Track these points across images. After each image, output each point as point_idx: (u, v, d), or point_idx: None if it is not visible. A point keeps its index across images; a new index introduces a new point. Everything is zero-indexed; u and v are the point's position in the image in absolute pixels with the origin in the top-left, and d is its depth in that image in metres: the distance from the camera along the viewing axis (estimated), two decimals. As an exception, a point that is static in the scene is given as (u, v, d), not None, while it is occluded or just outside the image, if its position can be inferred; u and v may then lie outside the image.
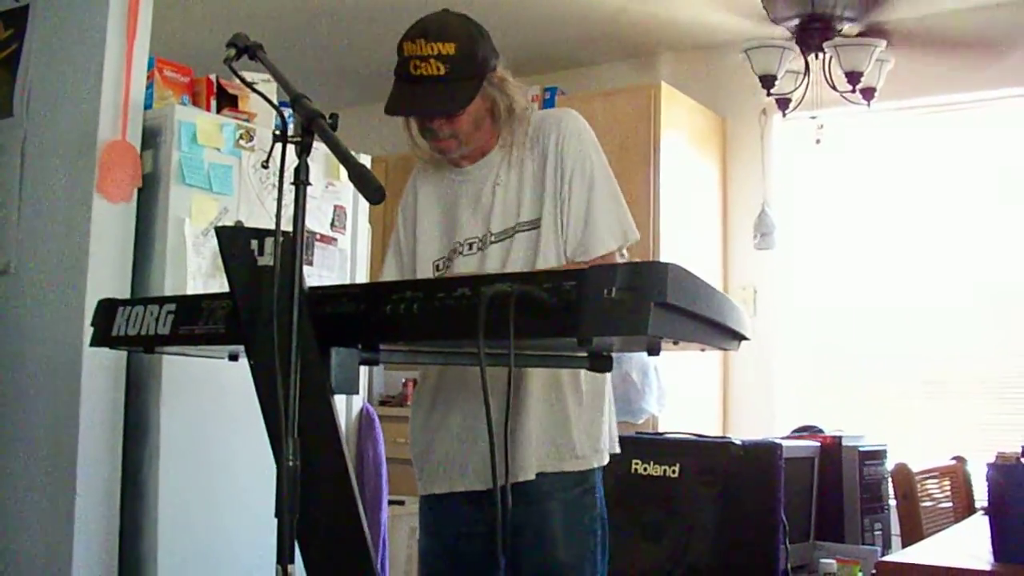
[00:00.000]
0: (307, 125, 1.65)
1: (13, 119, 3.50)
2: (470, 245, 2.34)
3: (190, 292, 3.23)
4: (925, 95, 5.30)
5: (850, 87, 5.04)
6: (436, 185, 2.47)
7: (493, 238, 2.31)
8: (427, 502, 2.41)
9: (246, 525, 3.30)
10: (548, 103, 5.63)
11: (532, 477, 2.22)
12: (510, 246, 2.29)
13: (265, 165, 1.72)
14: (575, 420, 2.27)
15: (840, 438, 4.49)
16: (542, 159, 2.31)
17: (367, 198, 1.58)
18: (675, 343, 1.65)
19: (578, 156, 2.29)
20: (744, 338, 1.79)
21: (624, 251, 2.31)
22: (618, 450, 2.40)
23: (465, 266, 2.34)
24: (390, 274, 2.50)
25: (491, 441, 1.62)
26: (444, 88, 2.23)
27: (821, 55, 5.11)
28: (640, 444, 4.18)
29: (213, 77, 3.59)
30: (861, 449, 4.53)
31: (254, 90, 1.89)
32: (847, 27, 5.09)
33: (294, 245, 1.60)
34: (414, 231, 2.46)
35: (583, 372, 2.24)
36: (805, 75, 5.19)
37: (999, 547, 2.34)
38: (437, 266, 2.39)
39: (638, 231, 2.32)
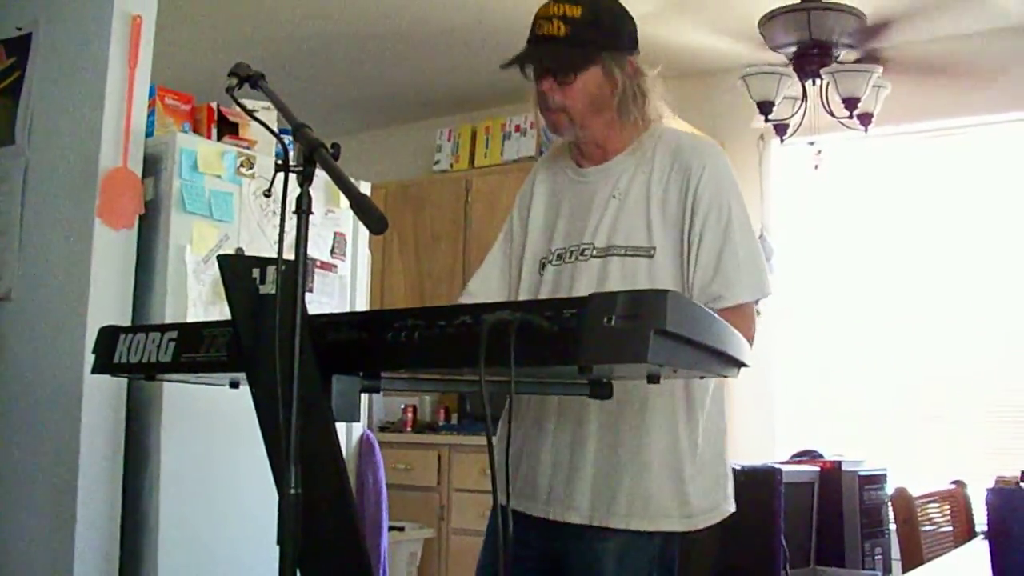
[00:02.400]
0: (309, 155, 1.66)
1: (15, 147, 3.52)
2: (570, 252, 2.22)
3: (191, 319, 3.23)
4: (922, 120, 5.33)
5: (847, 113, 5.06)
6: (553, 181, 2.36)
7: (595, 252, 2.18)
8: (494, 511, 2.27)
9: (247, 553, 3.29)
10: (548, 129, 5.65)
11: (582, 523, 2.13)
12: (614, 266, 2.16)
13: (267, 194, 1.74)
14: (656, 474, 2.12)
15: (840, 463, 4.49)
16: (676, 188, 2.17)
17: (369, 228, 1.58)
18: (675, 371, 1.65)
19: (716, 198, 2.15)
20: (743, 365, 1.80)
21: (758, 307, 2.17)
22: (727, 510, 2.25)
23: (559, 273, 2.23)
24: (492, 262, 2.41)
25: (491, 468, 1.62)
26: (560, 49, 2.14)
27: (818, 81, 5.13)
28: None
29: (214, 105, 3.61)
30: (861, 474, 4.53)
31: (255, 119, 1.89)
32: (844, 53, 5.12)
33: (296, 273, 1.61)
34: (527, 223, 2.36)
35: (694, 419, 2.15)
36: (802, 101, 5.21)
37: (999, 571, 2.34)
38: (543, 264, 2.28)
39: (771, 287, 2.17)
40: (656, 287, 2.06)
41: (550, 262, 2.27)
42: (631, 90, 2.22)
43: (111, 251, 3.26)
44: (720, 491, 2.23)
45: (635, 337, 1.41)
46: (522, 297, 2.30)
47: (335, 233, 3.81)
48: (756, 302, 2.14)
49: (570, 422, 2.18)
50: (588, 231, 2.22)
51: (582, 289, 2.14)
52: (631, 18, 2.28)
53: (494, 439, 2.33)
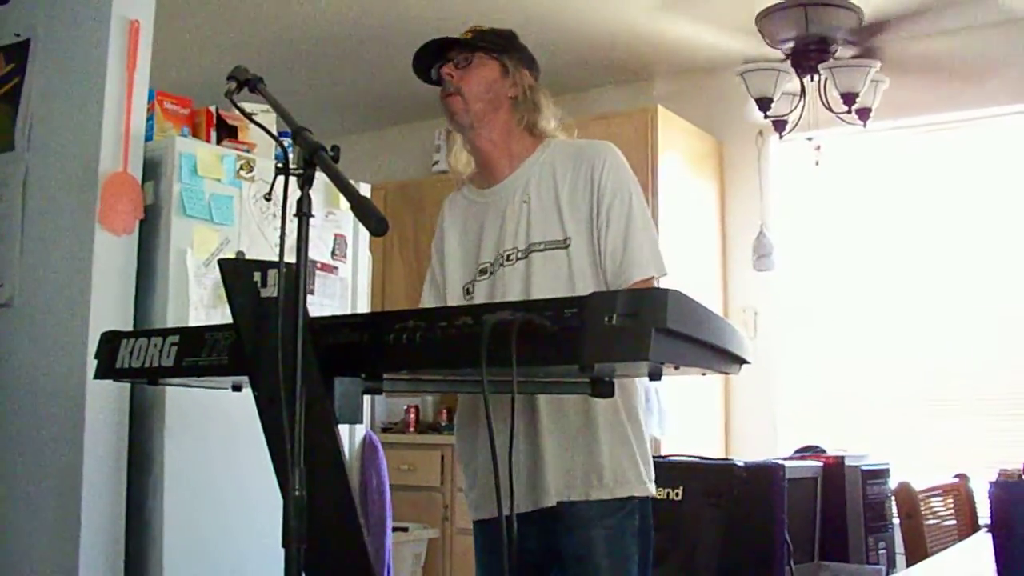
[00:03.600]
0: (309, 158, 1.66)
1: (15, 153, 3.51)
2: (496, 262, 2.37)
3: (192, 323, 3.24)
4: (920, 114, 5.33)
5: (846, 108, 5.07)
6: (462, 209, 2.52)
7: (519, 254, 2.34)
8: (475, 528, 2.45)
9: (252, 555, 3.29)
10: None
11: (552, 504, 2.24)
12: (537, 262, 2.32)
13: (268, 198, 1.74)
14: (607, 447, 2.27)
15: (843, 458, 4.48)
16: (581, 183, 2.35)
17: (370, 230, 1.59)
18: (676, 368, 1.66)
19: (618, 187, 2.33)
20: (745, 361, 1.80)
21: (659, 282, 2.33)
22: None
23: (491, 284, 2.37)
24: (425, 304, 2.53)
25: (495, 469, 1.63)
26: (463, 43, 2.43)
27: (816, 77, 5.14)
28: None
29: (213, 108, 3.61)
30: (864, 468, 4.52)
31: (254, 122, 1.90)
32: (842, 49, 5.12)
33: (297, 277, 1.61)
34: (443, 259, 2.50)
35: (618, 400, 2.26)
36: (801, 97, 5.21)
37: (1002, 564, 2.34)
38: (467, 288, 2.42)
39: (667, 267, 2.35)
40: (575, 274, 2.28)
41: (476, 280, 2.41)
42: (526, 98, 2.45)
43: (112, 256, 3.26)
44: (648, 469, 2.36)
45: (637, 335, 1.42)
46: None
47: (335, 235, 3.81)
48: (656, 278, 2.32)
49: (528, 415, 2.28)
50: (508, 238, 2.37)
51: (515, 290, 2.32)
52: (532, 55, 2.56)
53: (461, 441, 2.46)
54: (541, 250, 2.32)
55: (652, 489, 2.32)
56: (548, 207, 2.36)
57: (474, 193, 2.51)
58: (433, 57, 2.47)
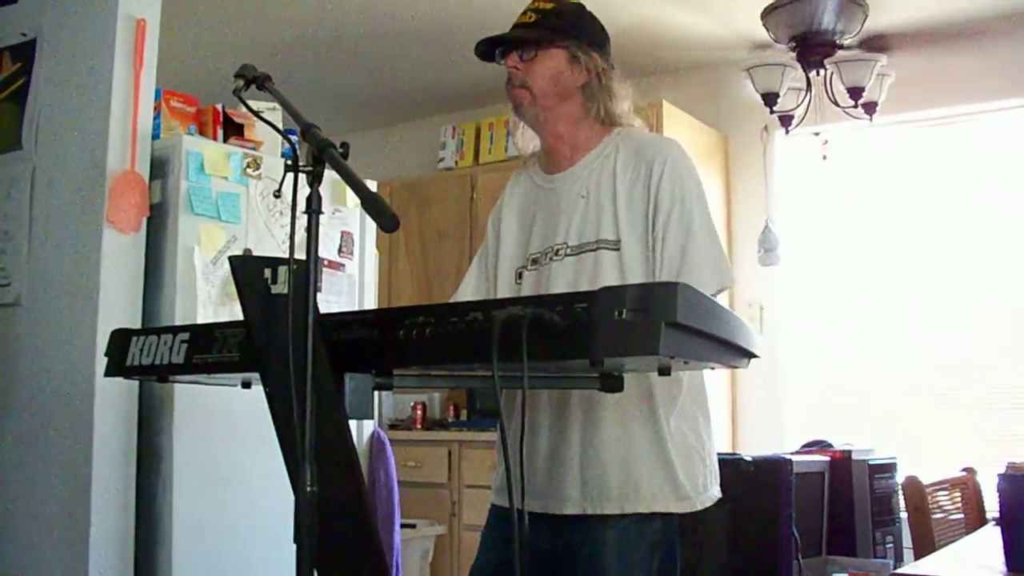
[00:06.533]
0: (318, 155, 1.66)
1: (22, 152, 3.52)
2: (545, 255, 2.29)
3: (200, 320, 3.24)
4: (927, 108, 5.33)
5: (852, 102, 5.07)
6: (524, 190, 2.44)
7: (569, 251, 2.25)
8: (494, 511, 2.35)
9: (262, 552, 3.30)
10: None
11: (570, 513, 2.18)
12: (587, 261, 2.21)
13: (278, 195, 1.74)
14: (635, 459, 2.16)
15: (850, 452, 4.49)
16: (639, 184, 2.22)
17: (382, 227, 1.59)
18: (686, 363, 1.66)
19: (676, 195, 2.19)
20: (753, 355, 1.80)
21: (722, 296, 2.18)
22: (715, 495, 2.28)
23: (538, 276, 2.29)
24: (471, 277, 2.47)
25: (506, 463, 1.63)
26: (526, 30, 2.30)
27: (822, 71, 5.14)
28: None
29: (219, 106, 3.62)
30: (871, 462, 4.53)
31: (263, 119, 1.90)
32: (848, 42, 5.11)
33: (307, 273, 1.62)
34: (500, 235, 2.43)
35: (672, 408, 2.19)
36: (807, 92, 5.21)
37: (1011, 557, 2.35)
38: (519, 273, 2.35)
39: (733, 276, 2.22)
40: (625, 279, 2.15)
41: (527, 268, 2.34)
42: (597, 84, 2.32)
43: (120, 254, 3.27)
44: (708, 475, 2.26)
45: (646, 330, 1.42)
46: None
47: (342, 232, 3.81)
48: (718, 293, 2.16)
49: (560, 417, 2.22)
50: (560, 232, 2.28)
51: (559, 288, 2.21)
52: (603, 28, 2.39)
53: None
54: (592, 250, 2.21)
55: (687, 505, 2.19)
56: (604, 206, 2.24)
57: (538, 176, 2.41)
58: (497, 40, 2.36)
